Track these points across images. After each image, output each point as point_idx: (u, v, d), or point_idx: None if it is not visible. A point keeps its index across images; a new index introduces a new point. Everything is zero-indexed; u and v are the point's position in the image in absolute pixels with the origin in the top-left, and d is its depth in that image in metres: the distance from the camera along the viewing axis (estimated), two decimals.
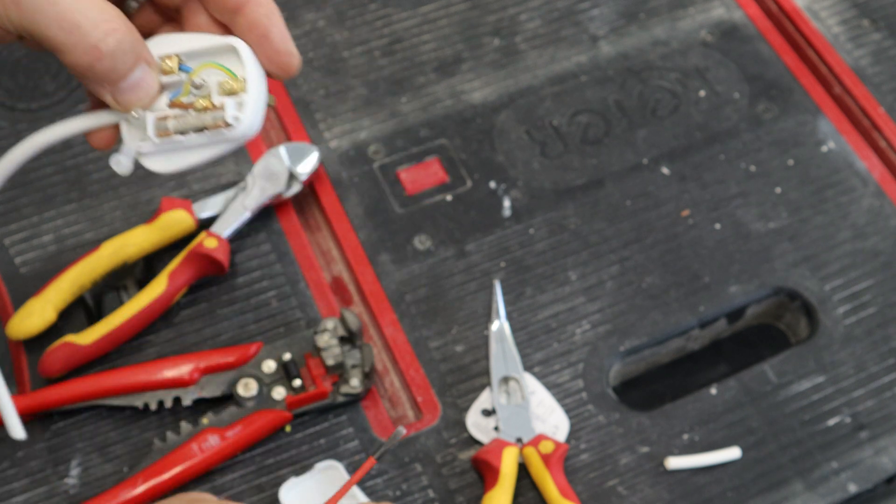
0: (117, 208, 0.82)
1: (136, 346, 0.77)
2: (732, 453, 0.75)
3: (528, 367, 0.78)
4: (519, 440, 0.74)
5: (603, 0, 0.97)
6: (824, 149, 0.90)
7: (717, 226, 0.85)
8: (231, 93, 0.50)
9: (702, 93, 0.92)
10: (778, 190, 0.87)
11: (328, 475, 0.72)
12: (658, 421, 0.77)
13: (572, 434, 0.76)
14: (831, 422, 0.77)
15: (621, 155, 0.88)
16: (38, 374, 0.75)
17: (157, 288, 0.76)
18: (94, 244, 0.79)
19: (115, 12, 0.45)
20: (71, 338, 0.75)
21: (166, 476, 0.70)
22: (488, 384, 0.77)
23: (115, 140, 0.52)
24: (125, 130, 0.51)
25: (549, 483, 0.72)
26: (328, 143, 0.87)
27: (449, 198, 0.85)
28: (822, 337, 0.81)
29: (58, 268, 0.78)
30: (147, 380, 0.73)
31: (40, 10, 0.43)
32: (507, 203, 0.85)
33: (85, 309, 0.79)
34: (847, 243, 0.85)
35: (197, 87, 0.50)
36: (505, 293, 0.81)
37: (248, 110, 0.50)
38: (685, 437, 0.76)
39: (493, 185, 0.86)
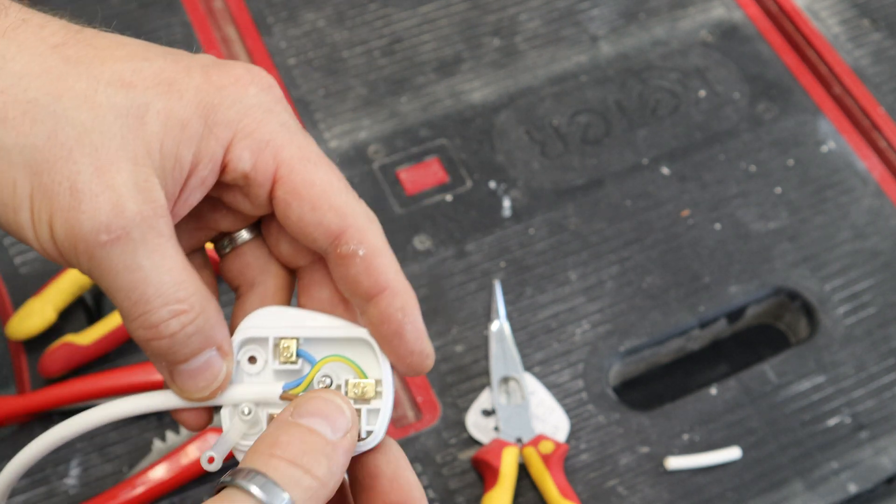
0: None
1: (136, 346, 0.77)
2: (732, 453, 0.75)
3: (528, 367, 0.78)
4: (519, 440, 0.74)
5: (603, 0, 0.97)
6: (824, 149, 0.90)
7: (717, 226, 0.85)
8: (363, 398, 0.42)
9: (702, 93, 0.92)
10: (778, 190, 0.87)
11: None
12: (658, 421, 0.77)
13: (572, 434, 0.76)
14: (831, 422, 0.77)
15: (621, 155, 0.88)
16: (38, 374, 0.75)
17: None
18: None
19: (193, 288, 0.40)
20: (71, 338, 0.75)
21: (166, 476, 0.70)
22: (488, 384, 0.77)
23: (208, 422, 0.44)
24: (226, 417, 0.43)
25: (549, 483, 0.72)
26: (328, 143, 0.87)
27: (449, 198, 0.85)
28: (822, 337, 0.81)
29: (58, 268, 0.78)
30: (147, 380, 0.73)
31: (113, 273, 0.38)
32: (507, 203, 0.85)
33: (85, 309, 0.79)
34: (847, 243, 0.85)
35: (324, 384, 0.43)
36: (505, 293, 0.81)
37: (382, 422, 0.42)
38: (685, 437, 0.76)
39: (493, 185, 0.86)
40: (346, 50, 0.92)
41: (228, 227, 0.45)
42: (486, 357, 0.78)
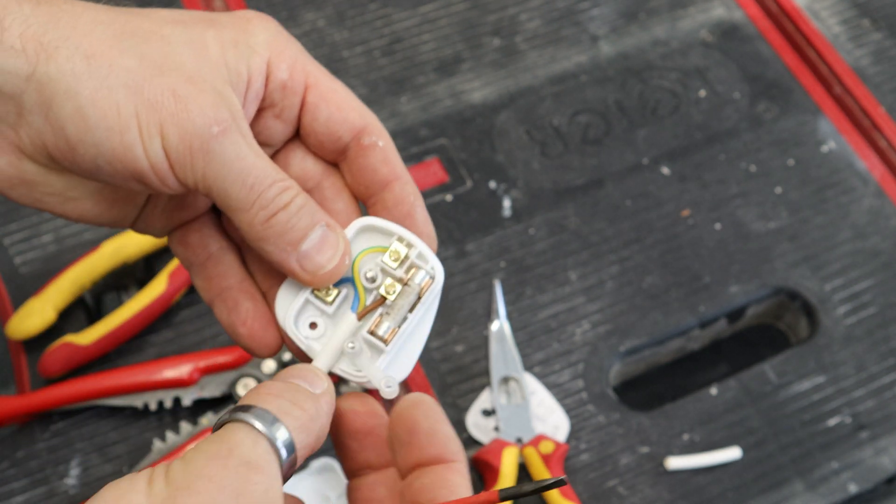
0: None
1: (136, 346, 0.77)
2: (732, 453, 0.75)
3: (528, 367, 0.78)
4: (519, 440, 0.74)
5: (603, 0, 0.97)
6: (824, 149, 0.90)
7: (717, 226, 0.85)
8: (402, 259, 0.46)
9: (702, 93, 0.92)
10: (778, 190, 0.87)
11: (325, 477, 0.72)
12: (658, 421, 0.77)
13: (572, 434, 0.76)
14: (832, 422, 0.77)
15: (621, 155, 0.88)
16: (38, 374, 0.75)
17: (157, 288, 0.76)
18: (93, 244, 0.79)
19: (285, 173, 0.44)
20: (71, 338, 0.75)
21: None
22: (488, 384, 0.77)
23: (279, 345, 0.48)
24: (348, 369, 0.46)
25: None
26: None
27: (449, 198, 0.85)
28: (823, 337, 0.81)
29: (58, 268, 0.78)
30: (147, 380, 0.73)
31: (227, 163, 0.42)
32: (507, 203, 0.85)
33: (85, 309, 0.79)
34: (847, 243, 0.85)
35: (372, 280, 0.46)
36: (505, 293, 0.81)
37: (431, 255, 0.46)
38: (685, 437, 0.76)
39: (493, 185, 0.86)
40: (346, 50, 0.92)
41: None
42: (486, 357, 0.78)
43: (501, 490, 0.40)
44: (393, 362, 0.46)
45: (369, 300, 0.46)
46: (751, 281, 0.83)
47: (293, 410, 0.41)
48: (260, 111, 0.47)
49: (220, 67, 0.44)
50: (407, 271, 0.46)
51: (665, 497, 0.74)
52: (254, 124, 0.47)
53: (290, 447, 0.40)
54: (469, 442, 0.75)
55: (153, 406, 0.74)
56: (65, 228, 0.81)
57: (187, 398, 0.74)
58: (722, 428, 0.76)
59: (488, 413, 0.76)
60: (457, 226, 0.84)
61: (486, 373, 0.77)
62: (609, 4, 0.96)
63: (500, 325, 0.79)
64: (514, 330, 0.79)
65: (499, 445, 0.73)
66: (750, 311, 0.84)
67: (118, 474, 0.72)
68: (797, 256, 0.84)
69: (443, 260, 0.82)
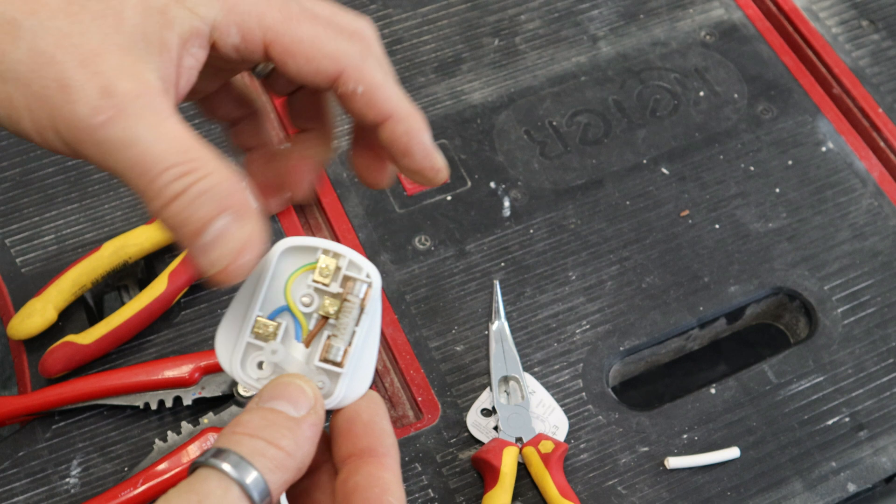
0: (118, 208, 0.83)
1: (136, 346, 0.77)
2: (732, 453, 0.75)
3: (527, 367, 0.78)
4: (519, 440, 0.74)
5: (603, 0, 0.97)
6: (823, 149, 0.90)
7: (717, 226, 0.85)
8: (331, 273, 0.44)
9: (701, 93, 0.92)
10: (777, 190, 0.87)
11: None
12: (658, 421, 0.77)
13: (572, 434, 0.76)
14: (830, 421, 0.77)
15: (621, 155, 0.89)
16: (38, 373, 0.75)
17: (158, 288, 0.76)
18: (94, 244, 0.79)
19: (201, 154, 0.40)
20: (72, 337, 0.75)
21: (166, 476, 0.70)
22: (488, 384, 0.77)
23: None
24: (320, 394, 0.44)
25: (548, 483, 0.72)
26: None
27: (449, 198, 0.86)
28: (822, 337, 0.81)
29: (59, 268, 0.78)
30: (147, 380, 0.74)
31: (116, 152, 0.39)
32: (507, 203, 0.85)
33: (85, 309, 0.79)
34: (846, 243, 0.85)
35: (307, 305, 0.45)
36: (505, 293, 0.81)
37: (362, 260, 0.44)
38: (685, 436, 0.76)
39: (493, 185, 0.86)
40: None
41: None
42: (486, 357, 0.78)
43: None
44: (352, 380, 0.44)
45: (311, 324, 0.45)
46: (750, 281, 0.83)
47: (268, 450, 0.39)
48: (227, 72, 0.44)
49: (135, 40, 0.40)
50: (342, 284, 0.44)
51: (664, 496, 0.74)
52: (223, 86, 0.45)
53: (264, 492, 0.39)
54: (469, 441, 0.75)
55: (154, 406, 0.74)
56: (66, 229, 0.81)
57: (188, 398, 0.74)
58: (721, 427, 0.77)
59: (488, 413, 0.76)
60: (457, 226, 0.84)
61: (486, 373, 0.78)
62: (609, 5, 0.97)
63: (500, 325, 0.79)
64: (514, 330, 0.79)
65: (499, 445, 0.73)
66: (749, 310, 0.84)
67: (119, 474, 0.73)
68: (796, 256, 0.84)
69: (443, 260, 0.82)
